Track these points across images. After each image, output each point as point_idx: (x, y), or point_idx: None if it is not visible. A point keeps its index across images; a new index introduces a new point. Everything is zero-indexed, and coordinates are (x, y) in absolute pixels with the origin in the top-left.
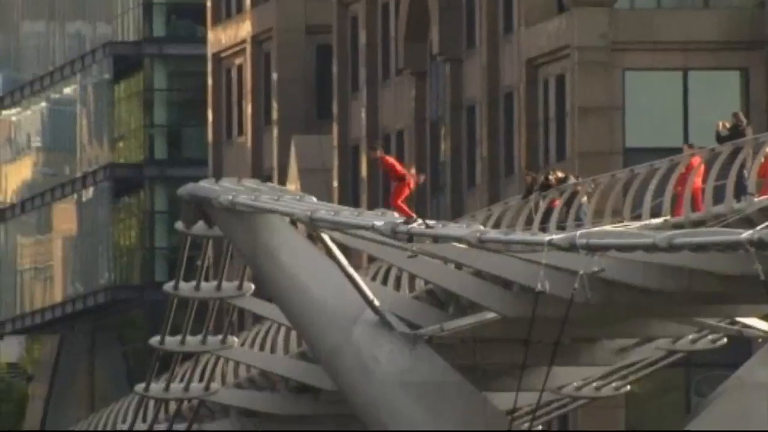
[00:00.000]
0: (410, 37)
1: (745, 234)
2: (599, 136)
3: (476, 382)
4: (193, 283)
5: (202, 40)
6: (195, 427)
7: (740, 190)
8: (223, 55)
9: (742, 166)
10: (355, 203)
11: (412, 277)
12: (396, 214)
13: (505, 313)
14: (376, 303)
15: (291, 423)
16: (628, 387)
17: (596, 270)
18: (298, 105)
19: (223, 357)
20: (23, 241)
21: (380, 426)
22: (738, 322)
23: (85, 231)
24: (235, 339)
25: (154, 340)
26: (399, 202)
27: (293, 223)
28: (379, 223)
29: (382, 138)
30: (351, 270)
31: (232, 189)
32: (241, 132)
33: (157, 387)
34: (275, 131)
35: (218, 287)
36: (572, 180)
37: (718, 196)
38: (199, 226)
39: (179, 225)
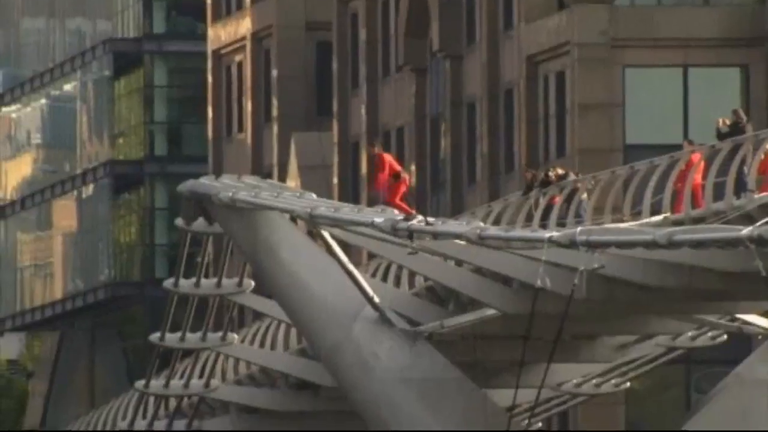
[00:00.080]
0: (410, 33)
1: (745, 231)
2: (599, 133)
3: (476, 378)
4: (193, 279)
5: (202, 37)
6: (195, 423)
7: (740, 187)
8: (223, 51)
9: (742, 162)
10: (355, 200)
11: (412, 274)
12: (396, 211)
13: (505, 310)
14: (376, 300)
15: (291, 419)
16: (628, 384)
17: (596, 267)
18: (298, 102)
19: (223, 354)
20: (23, 238)
21: (380, 423)
22: (738, 319)
23: (85, 228)
24: (235, 336)
25: (154, 336)
26: (397, 200)
27: (293, 219)
28: (379, 219)
29: (382, 135)
30: (351, 267)
31: (232, 186)
32: (241, 129)
33: (157, 384)
34: (275, 128)
35: (218, 284)
36: (572, 177)
37: (718, 193)
38: (199, 223)
39: (179, 222)
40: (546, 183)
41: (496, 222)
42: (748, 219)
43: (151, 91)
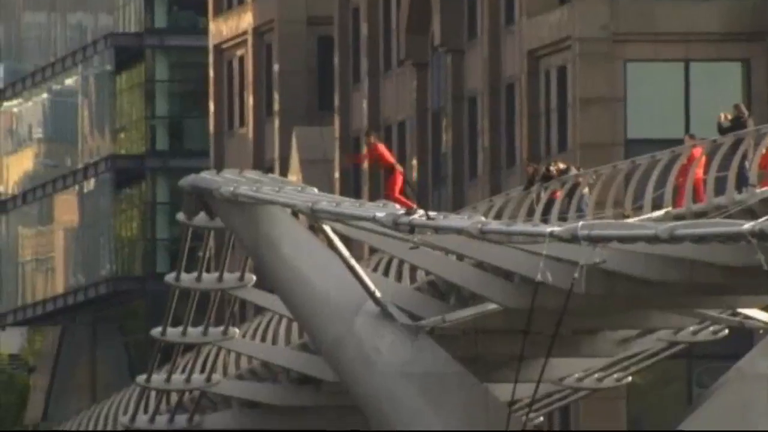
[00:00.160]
0: (412, 28)
1: (747, 225)
2: (601, 128)
3: (478, 373)
4: (195, 274)
5: (204, 32)
6: (196, 418)
7: (742, 181)
8: (224, 46)
9: (744, 157)
10: (356, 194)
11: (414, 269)
12: (397, 206)
13: (506, 304)
14: (378, 294)
15: (292, 414)
16: (630, 378)
17: (598, 261)
18: (300, 96)
19: (224, 348)
20: (25, 233)
21: (382, 417)
22: (739, 314)
23: (86, 222)
24: (237, 330)
25: (156, 331)
26: (396, 194)
27: (295, 214)
28: (380, 214)
29: (383, 129)
30: (352, 261)
31: (234, 180)
32: (242, 123)
33: (158, 378)
34: (277, 122)
35: (220, 278)
36: (574, 171)
37: (720, 188)
38: (201, 218)
39: (181, 216)
40: (547, 177)
41: (498, 216)
42: (750, 213)
43: (153, 86)
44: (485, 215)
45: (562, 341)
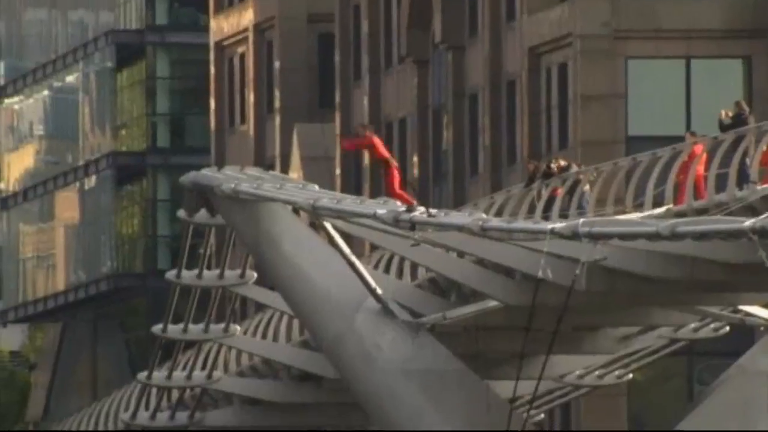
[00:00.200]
0: (413, 25)
1: (748, 222)
2: (602, 125)
3: (478, 370)
4: (196, 271)
5: (205, 29)
6: (197, 415)
7: (743, 179)
8: (225, 43)
9: (745, 154)
10: (357, 191)
11: (415, 266)
12: (398, 203)
13: (507, 302)
14: (379, 291)
15: (293, 411)
16: (631, 375)
17: (598, 258)
18: (301, 93)
19: (225, 345)
20: (26, 230)
21: (383, 414)
22: (740, 311)
23: (87, 219)
24: (238, 327)
25: (157, 328)
26: (397, 190)
27: (296, 211)
28: (381, 211)
29: (384, 126)
30: (353, 258)
31: (235, 177)
32: (243, 120)
33: (159, 375)
34: (277, 119)
35: (221, 275)
36: (575, 168)
37: (721, 185)
38: (202, 215)
39: (182, 213)
40: (548, 174)
41: (499, 213)
42: (751, 210)
43: (154, 83)
44: (486, 212)
45: (562, 338)
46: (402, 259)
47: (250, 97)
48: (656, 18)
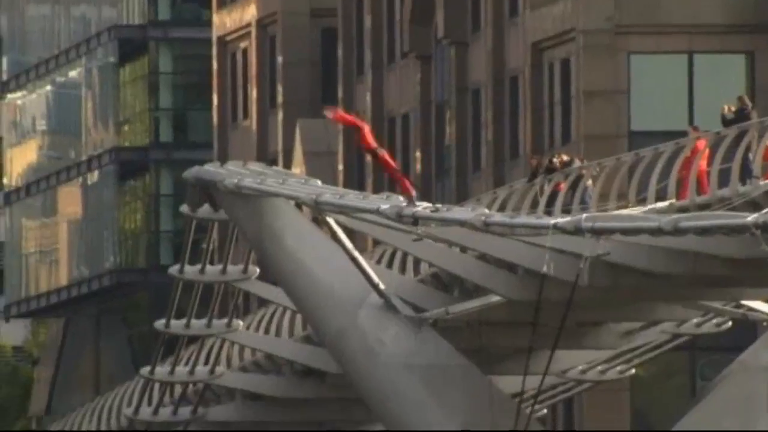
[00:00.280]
0: (415, 20)
1: (751, 217)
2: (604, 120)
3: (481, 365)
4: (198, 266)
5: (207, 24)
6: (200, 410)
7: (745, 174)
8: (228, 38)
9: (748, 149)
10: (360, 187)
11: (417, 261)
12: (401, 198)
13: (510, 297)
14: (381, 286)
15: (296, 406)
16: (633, 370)
17: (601, 253)
18: (303, 88)
19: (228, 340)
20: (28, 225)
21: (385, 409)
22: (743, 306)
23: (90, 214)
24: (240, 322)
25: (159, 323)
26: (398, 174)
27: (298, 206)
28: (384, 206)
29: (387, 121)
30: (356, 253)
31: (238, 172)
32: (246, 115)
33: (162, 370)
34: (280, 115)
35: (223, 270)
36: (577, 163)
37: (724, 180)
38: (205, 210)
39: (184, 208)
40: (551, 170)
41: (501, 209)
42: (754, 205)
43: (156, 78)
44: (489, 207)
45: (565, 333)
46: (405, 255)
47: (253, 93)
48: (659, 13)
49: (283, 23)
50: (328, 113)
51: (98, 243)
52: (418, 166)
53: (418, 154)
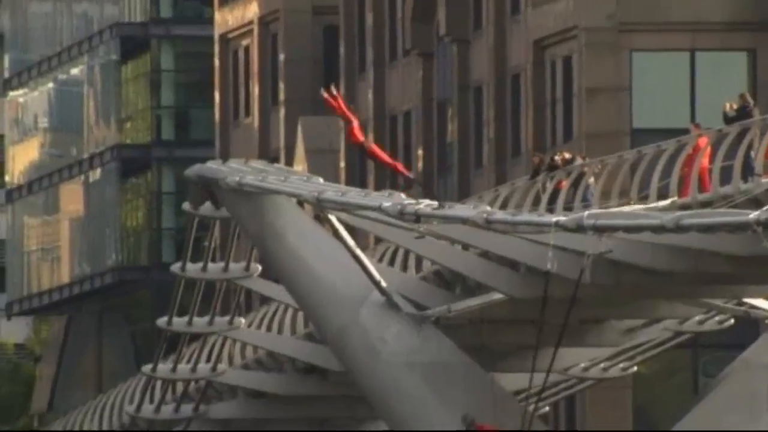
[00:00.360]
0: (417, 18)
1: (753, 215)
2: (606, 117)
3: (483, 363)
4: (201, 264)
5: (209, 21)
6: (202, 407)
7: (747, 171)
8: (230, 36)
9: (749, 146)
10: (362, 184)
11: (419, 258)
12: (403, 195)
13: (512, 294)
14: (383, 284)
15: (298, 404)
16: (635, 368)
17: (603, 251)
18: (305, 86)
19: (230, 338)
20: (30, 222)
21: (387, 407)
22: (745, 303)
23: (92, 212)
24: (242, 320)
25: (162, 321)
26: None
27: (300, 204)
28: (386, 203)
29: (389, 119)
30: (358, 251)
31: (240, 170)
32: (248, 113)
33: (164, 368)
34: (282, 112)
35: (225, 268)
36: (579, 161)
37: (726, 177)
38: (207, 207)
39: (186, 206)
40: (553, 167)
41: (503, 206)
42: (756, 203)
43: (158, 76)
44: (491, 205)
45: (568, 331)
46: (407, 252)
47: (255, 90)
48: (661, 10)
49: (285, 21)
50: (326, 93)
51: (100, 240)
52: (420, 164)
53: (420, 151)
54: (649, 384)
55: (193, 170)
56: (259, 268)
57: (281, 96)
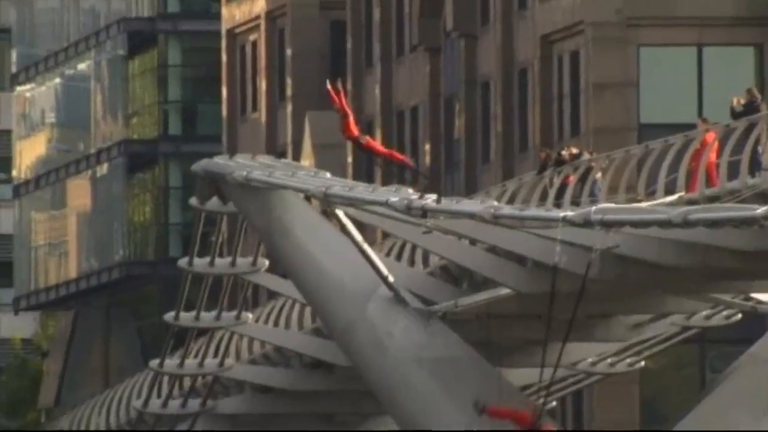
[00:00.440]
0: (424, 13)
1: (760, 209)
2: (614, 112)
3: (490, 358)
4: (208, 258)
5: (217, 16)
6: (209, 402)
7: (755, 166)
8: (237, 31)
9: (757, 141)
10: (369, 179)
11: (427, 253)
12: (410, 190)
13: (519, 289)
14: (391, 279)
15: (305, 399)
16: (643, 363)
17: (611, 246)
18: (313, 81)
19: (237, 333)
20: (38, 217)
21: (394, 402)
22: (752, 298)
23: (99, 207)
24: (250, 315)
25: (169, 316)
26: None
27: (307, 199)
28: (393, 198)
29: (396, 114)
30: (365, 246)
31: (247, 165)
32: (255, 108)
33: (171, 363)
34: (289, 107)
35: (232, 263)
36: (586, 156)
37: (733, 172)
38: (214, 202)
39: (194, 201)
40: (560, 162)
41: (511, 201)
42: (763, 198)
43: (166, 71)
44: (498, 200)
45: (575, 326)
46: (414, 247)
47: (262, 85)
48: (668, 5)
49: (292, 16)
50: (331, 87)
51: (107, 235)
52: (428, 159)
53: (427, 147)
54: (657, 379)
55: (201, 165)
56: (267, 263)
57: (288, 91)
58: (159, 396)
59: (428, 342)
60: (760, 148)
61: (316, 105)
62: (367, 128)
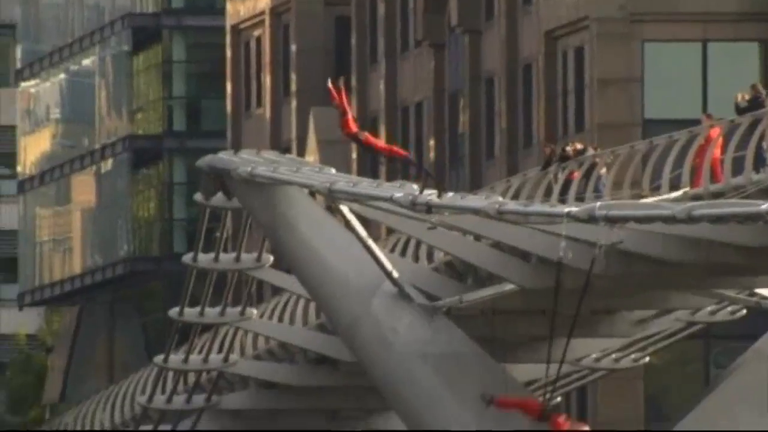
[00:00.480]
0: (429, 8)
1: (765, 205)
2: (618, 108)
3: (495, 353)
4: (212, 254)
5: (221, 12)
6: (214, 398)
7: (759, 162)
8: (241, 26)
9: (761, 137)
10: (373, 175)
11: (431, 249)
12: (415, 186)
13: (523, 285)
14: (395, 275)
15: (309, 394)
16: (647, 359)
17: (615, 242)
18: (317, 77)
19: (241, 329)
20: (42, 213)
21: (399, 397)
22: (757, 294)
23: (103, 202)
24: (254, 311)
25: (173, 311)
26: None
27: (312, 194)
28: (398, 194)
29: (400, 110)
30: (370, 241)
31: (251, 161)
32: (259, 104)
33: (176, 358)
34: (294, 103)
35: (237, 259)
36: (591, 151)
37: (737, 168)
38: (218, 198)
39: (198, 196)
40: (565, 158)
41: (515, 197)
42: (767, 193)
43: (170, 66)
44: (503, 195)
45: (579, 321)
46: (418, 243)
47: (267, 81)
48: (673, 1)
49: (297, 11)
50: (332, 85)
51: (112, 231)
52: (432, 155)
53: (431, 142)
54: (661, 375)
55: (205, 161)
56: (271, 258)
57: (293, 87)
58: (163, 391)
59: (433, 338)
60: (764, 144)
61: (320, 101)
62: (372, 124)
